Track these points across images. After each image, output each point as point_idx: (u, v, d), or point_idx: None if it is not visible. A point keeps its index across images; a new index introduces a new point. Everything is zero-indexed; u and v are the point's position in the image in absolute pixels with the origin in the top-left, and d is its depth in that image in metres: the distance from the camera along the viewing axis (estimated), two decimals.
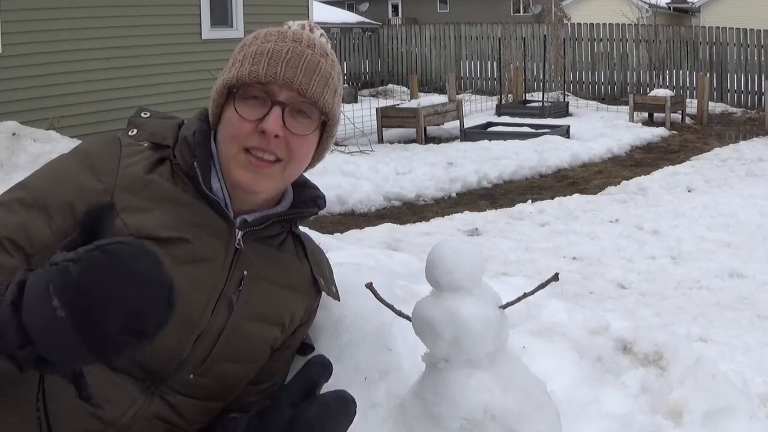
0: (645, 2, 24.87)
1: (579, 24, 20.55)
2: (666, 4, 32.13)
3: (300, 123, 1.40)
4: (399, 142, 12.91)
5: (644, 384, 1.80)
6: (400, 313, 1.42)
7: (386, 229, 7.39)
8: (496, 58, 18.83)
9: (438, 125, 13.54)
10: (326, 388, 1.54)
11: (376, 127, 13.18)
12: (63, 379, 1.20)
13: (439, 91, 17.81)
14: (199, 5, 10.76)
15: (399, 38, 22.83)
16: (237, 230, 1.41)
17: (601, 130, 13.69)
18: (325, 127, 1.46)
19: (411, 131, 13.05)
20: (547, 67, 18.39)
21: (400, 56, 22.66)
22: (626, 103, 15.64)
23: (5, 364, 0.99)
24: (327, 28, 24.00)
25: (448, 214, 8.31)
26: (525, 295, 1.37)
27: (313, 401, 1.36)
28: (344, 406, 1.37)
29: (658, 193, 9.26)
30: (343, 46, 21.85)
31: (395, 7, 38.91)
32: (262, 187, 1.40)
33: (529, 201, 8.84)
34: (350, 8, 35.97)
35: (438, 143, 12.65)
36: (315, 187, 1.56)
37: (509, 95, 17.61)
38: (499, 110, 16.07)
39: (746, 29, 18.28)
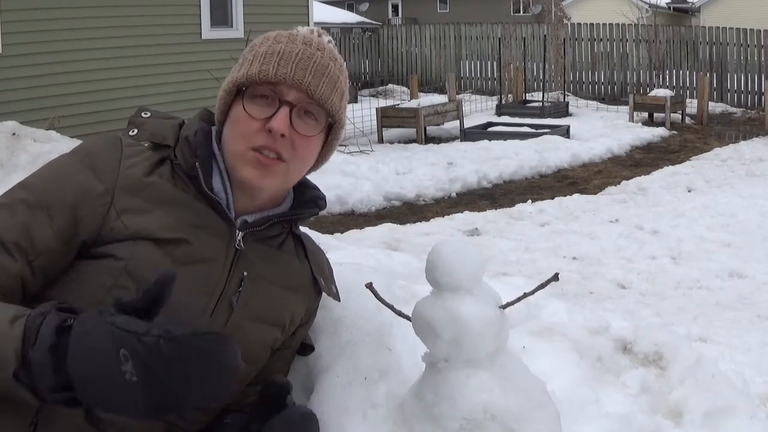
0: (645, 2, 24.87)
1: (579, 24, 20.55)
2: (666, 4, 32.13)
3: (307, 124, 1.41)
4: (399, 142, 12.91)
5: (644, 384, 1.80)
6: (400, 313, 1.42)
7: (386, 229, 7.38)
8: (496, 58, 18.83)
9: (438, 125, 13.53)
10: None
11: (376, 127, 13.18)
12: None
13: (439, 91, 17.80)
14: (199, 5, 10.76)
15: (399, 38, 22.83)
16: (237, 231, 1.42)
17: (601, 130, 13.69)
18: (331, 129, 1.47)
19: (411, 131, 13.05)
20: (547, 67, 18.39)
21: (400, 56, 22.66)
22: (626, 103, 15.64)
23: (26, 395, 1.07)
24: (327, 28, 23.99)
25: (448, 214, 8.30)
26: (525, 295, 1.37)
27: (279, 418, 1.37)
28: (308, 422, 1.40)
29: (658, 193, 9.26)
30: (343, 46, 21.85)
31: (395, 7, 38.90)
32: (268, 184, 1.41)
33: (529, 201, 8.84)
34: (350, 8, 35.96)
35: (438, 143, 12.65)
36: (315, 188, 1.56)
37: (509, 95, 17.61)
38: (499, 110, 16.06)
39: (746, 29, 18.27)
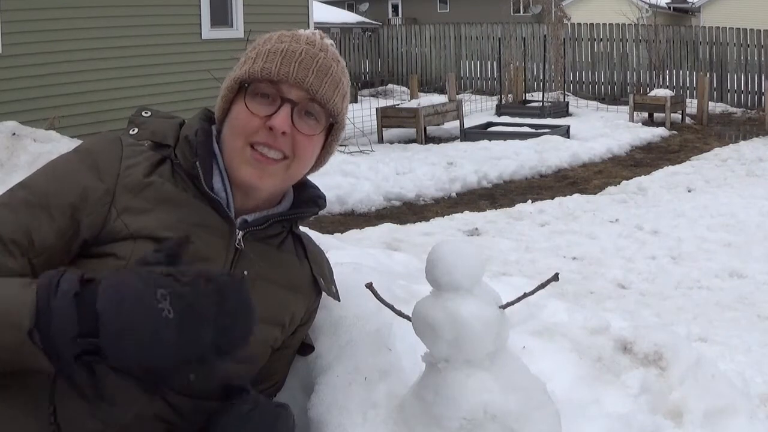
0: (645, 2, 24.86)
1: (579, 24, 20.54)
2: (666, 4, 32.11)
3: (307, 123, 1.41)
4: (399, 142, 12.90)
5: (644, 384, 1.80)
6: (400, 313, 1.42)
7: (386, 229, 7.38)
8: (496, 58, 18.82)
9: (438, 125, 13.53)
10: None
11: (376, 127, 13.18)
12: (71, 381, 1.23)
13: (439, 91, 17.80)
14: (199, 5, 10.76)
15: (399, 38, 22.83)
16: (237, 230, 1.41)
17: (601, 130, 13.68)
18: (332, 130, 1.47)
19: (411, 131, 13.05)
20: (547, 67, 18.39)
21: (400, 56, 22.66)
22: (626, 103, 15.64)
23: (34, 359, 1.07)
24: (327, 28, 24.00)
25: (448, 214, 8.30)
26: (525, 295, 1.37)
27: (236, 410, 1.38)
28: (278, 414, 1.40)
29: (658, 193, 9.26)
30: (343, 46, 21.84)
31: (395, 7, 38.89)
32: (266, 184, 1.41)
33: (529, 201, 8.84)
34: (350, 8, 35.95)
35: (438, 143, 12.64)
36: (315, 187, 1.56)
37: (509, 95, 17.60)
38: (499, 110, 16.06)
39: (746, 29, 18.27)
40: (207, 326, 1.07)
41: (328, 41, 1.48)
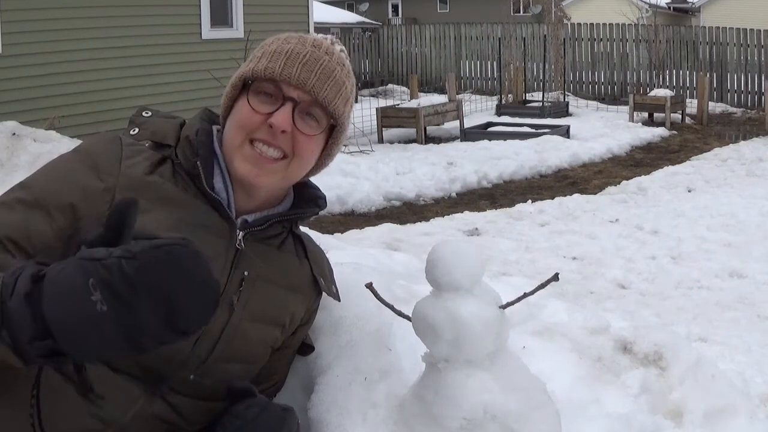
0: (645, 2, 24.86)
1: (579, 24, 20.54)
2: (666, 4, 32.11)
3: (308, 124, 1.41)
4: (399, 142, 12.90)
5: (644, 384, 1.80)
6: (400, 313, 1.42)
7: (386, 229, 7.38)
8: (496, 58, 18.82)
9: (438, 125, 13.53)
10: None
11: (376, 127, 13.18)
12: (60, 376, 1.20)
13: (439, 91, 17.81)
14: (199, 5, 10.76)
15: (399, 38, 22.82)
16: (238, 230, 1.42)
17: (601, 130, 13.68)
18: (333, 132, 1.47)
19: (411, 131, 13.05)
20: (547, 67, 18.39)
21: (400, 56, 22.66)
22: (626, 103, 15.64)
23: (6, 356, 1.01)
24: (327, 28, 24.00)
25: (448, 214, 8.30)
26: (525, 295, 1.37)
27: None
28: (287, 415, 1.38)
29: (658, 193, 9.26)
30: (344, 46, 21.81)
31: (395, 7, 38.88)
32: (264, 182, 1.41)
33: (529, 201, 8.84)
34: (350, 8, 35.95)
35: (438, 143, 12.65)
36: (315, 188, 1.56)
37: (509, 95, 17.60)
38: (499, 110, 16.06)
39: (746, 29, 18.27)
40: (148, 310, 0.94)
41: (338, 47, 1.48)
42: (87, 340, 0.96)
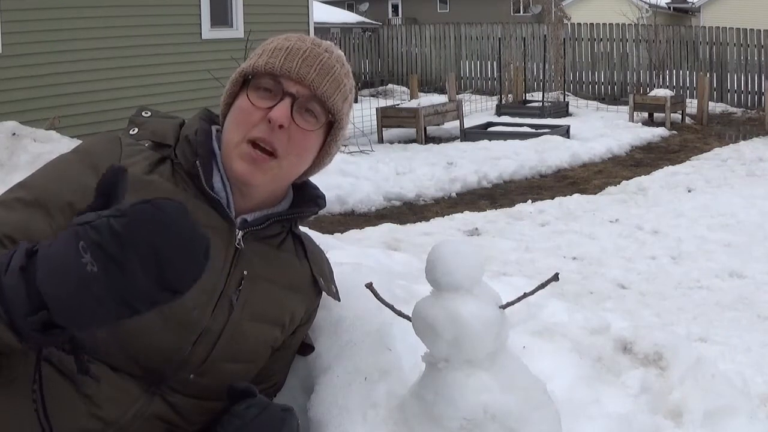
0: (645, 2, 24.87)
1: (579, 24, 20.55)
2: (666, 4, 32.12)
3: (306, 119, 1.41)
4: (399, 142, 12.90)
5: (644, 384, 1.80)
6: (400, 313, 1.42)
7: (386, 229, 7.39)
8: (496, 58, 18.83)
9: (438, 125, 13.53)
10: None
11: (376, 127, 13.18)
12: (59, 374, 1.19)
13: (439, 91, 17.80)
14: (199, 5, 10.76)
15: (399, 38, 22.83)
16: (237, 230, 1.42)
17: (601, 130, 13.68)
18: (331, 130, 1.47)
19: (411, 131, 13.05)
20: (547, 67, 18.39)
21: (400, 56, 22.66)
22: (626, 103, 15.64)
23: (3, 334, 1.01)
24: (327, 28, 24.02)
25: (448, 214, 8.30)
26: (525, 295, 1.37)
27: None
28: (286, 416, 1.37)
29: (658, 193, 9.26)
30: (343, 46, 21.84)
31: (395, 7, 38.89)
32: (259, 180, 1.41)
33: (529, 201, 8.84)
34: (350, 8, 35.95)
35: (438, 143, 12.65)
36: (315, 187, 1.56)
37: (509, 95, 17.60)
38: (499, 110, 16.06)
39: (746, 29, 18.27)
40: (138, 267, 0.92)
41: (338, 51, 1.49)
42: (80, 307, 0.94)
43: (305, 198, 1.53)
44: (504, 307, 1.33)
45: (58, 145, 6.55)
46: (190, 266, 0.95)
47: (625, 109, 15.40)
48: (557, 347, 1.83)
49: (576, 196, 9.11)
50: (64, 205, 1.31)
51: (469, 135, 12.97)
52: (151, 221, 0.94)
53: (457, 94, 15.89)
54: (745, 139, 13.59)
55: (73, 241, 0.95)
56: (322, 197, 1.55)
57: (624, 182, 9.86)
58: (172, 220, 0.95)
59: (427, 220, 8.15)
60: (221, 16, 11.15)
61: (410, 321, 1.35)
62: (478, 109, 16.54)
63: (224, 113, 1.45)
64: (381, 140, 12.90)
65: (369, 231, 7.26)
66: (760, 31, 18.00)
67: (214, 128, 1.49)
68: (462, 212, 8.36)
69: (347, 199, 8.67)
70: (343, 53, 1.51)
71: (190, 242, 0.95)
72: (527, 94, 17.78)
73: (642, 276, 6.20)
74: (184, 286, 0.95)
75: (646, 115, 14.98)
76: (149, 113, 1.50)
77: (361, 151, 11.17)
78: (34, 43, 8.74)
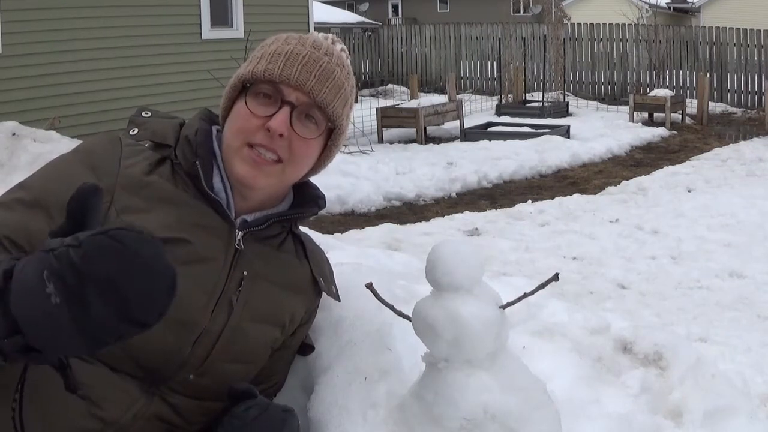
0: (645, 2, 24.86)
1: (579, 24, 20.55)
2: (666, 4, 32.11)
3: (306, 127, 1.41)
4: (399, 142, 12.90)
5: (644, 384, 1.80)
6: (400, 313, 1.42)
7: (386, 229, 7.38)
8: (496, 58, 18.82)
9: (438, 125, 13.53)
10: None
11: (376, 127, 13.18)
12: (52, 374, 1.19)
13: (439, 91, 17.80)
14: (199, 5, 10.76)
15: (399, 38, 22.83)
16: (237, 230, 1.42)
17: (601, 130, 13.68)
18: (331, 135, 1.47)
19: (411, 131, 13.05)
20: (547, 67, 18.39)
21: (400, 56, 22.66)
22: (626, 103, 15.64)
23: None
24: (327, 28, 23.99)
25: (448, 214, 8.30)
26: (525, 295, 1.37)
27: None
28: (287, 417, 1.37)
29: (658, 193, 9.26)
30: None
31: (395, 7, 38.88)
32: (261, 183, 1.41)
33: (529, 201, 8.84)
34: (350, 8, 35.94)
35: (438, 143, 12.65)
36: (315, 188, 1.56)
37: (509, 95, 17.60)
38: (499, 110, 16.06)
39: (746, 29, 18.27)
40: (97, 300, 0.88)
41: (339, 46, 1.48)
42: (48, 336, 0.92)
43: (305, 198, 1.53)
44: (504, 307, 1.33)
45: (58, 145, 6.55)
46: (154, 299, 0.91)
47: (625, 109, 15.40)
48: (557, 347, 1.83)
49: (576, 196, 9.11)
50: (63, 206, 1.31)
51: (469, 135, 12.97)
52: (107, 253, 0.89)
53: (457, 94, 15.88)
54: (745, 139, 13.59)
55: (39, 268, 0.92)
56: (322, 197, 1.55)
57: (624, 182, 9.86)
58: (130, 252, 0.90)
59: (427, 220, 8.15)
60: (221, 16, 11.15)
61: (410, 321, 1.35)
62: (478, 109, 16.54)
63: (224, 116, 1.45)
64: (381, 140, 12.90)
65: (369, 231, 7.26)
66: (760, 31, 17.99)
67: (214, 128, 1.49)
68: (462, 212, 8.36)
69: (347, 199, 8.67)
70: (344, 46, 1.50)
71: (150, 274, 0.90)
72: (527, 94, 17.78)
73: (642, 276, 6.20)
74: (150, 319, 0.91)
75: (646, 115, 14.98)
76: (149, 113, 1.50)
77: (361, 151, 11.17)
78: (34, 43, 8.74)
